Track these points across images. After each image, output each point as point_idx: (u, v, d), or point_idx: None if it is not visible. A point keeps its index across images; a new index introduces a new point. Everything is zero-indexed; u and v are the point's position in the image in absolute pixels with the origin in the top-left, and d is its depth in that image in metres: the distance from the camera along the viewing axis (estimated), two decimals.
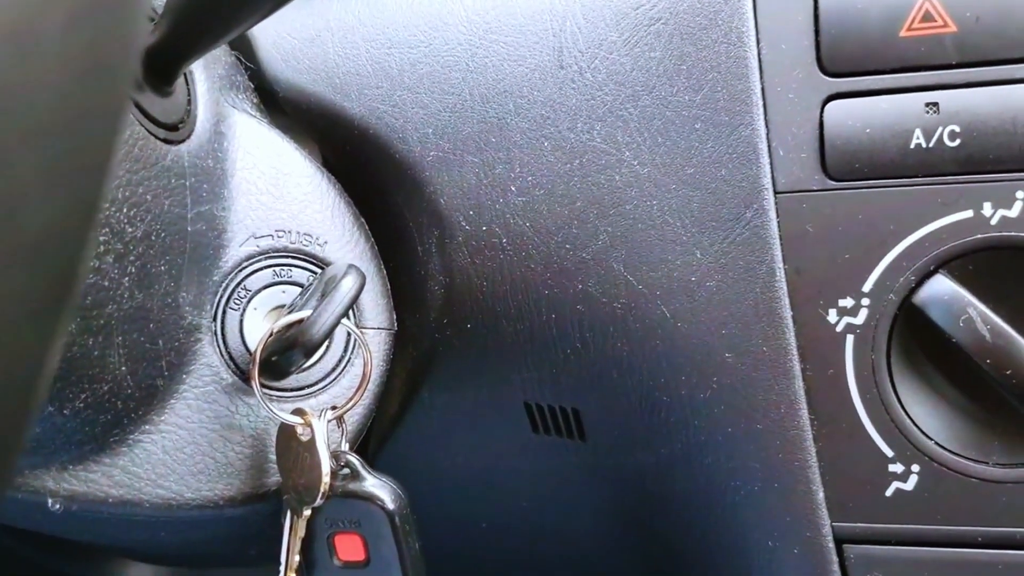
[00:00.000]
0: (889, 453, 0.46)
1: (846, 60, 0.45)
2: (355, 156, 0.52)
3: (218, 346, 0.48)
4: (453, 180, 0.50)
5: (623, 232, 0.48)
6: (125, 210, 0.38)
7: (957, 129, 0.44)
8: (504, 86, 0.49)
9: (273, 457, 0.49)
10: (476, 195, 0.50)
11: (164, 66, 0.40)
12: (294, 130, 0.52)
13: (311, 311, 0.45)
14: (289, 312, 0.47)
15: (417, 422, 0.56)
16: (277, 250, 0.49)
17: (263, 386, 0.47)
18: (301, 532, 0.48)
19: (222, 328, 0.48)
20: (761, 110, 0.46)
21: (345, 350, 0.50)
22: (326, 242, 0.50)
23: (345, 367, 0.50)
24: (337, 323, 0.45)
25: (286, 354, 0.45)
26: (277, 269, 0.49)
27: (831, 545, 0.48)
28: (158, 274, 0.42)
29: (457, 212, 0.50)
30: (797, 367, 0.46)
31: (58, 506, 0.46)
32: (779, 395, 0.47)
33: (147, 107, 0.40)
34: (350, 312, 0.47)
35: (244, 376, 0.48)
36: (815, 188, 0.46)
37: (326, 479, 0.47)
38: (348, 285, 0.45)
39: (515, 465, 0.56)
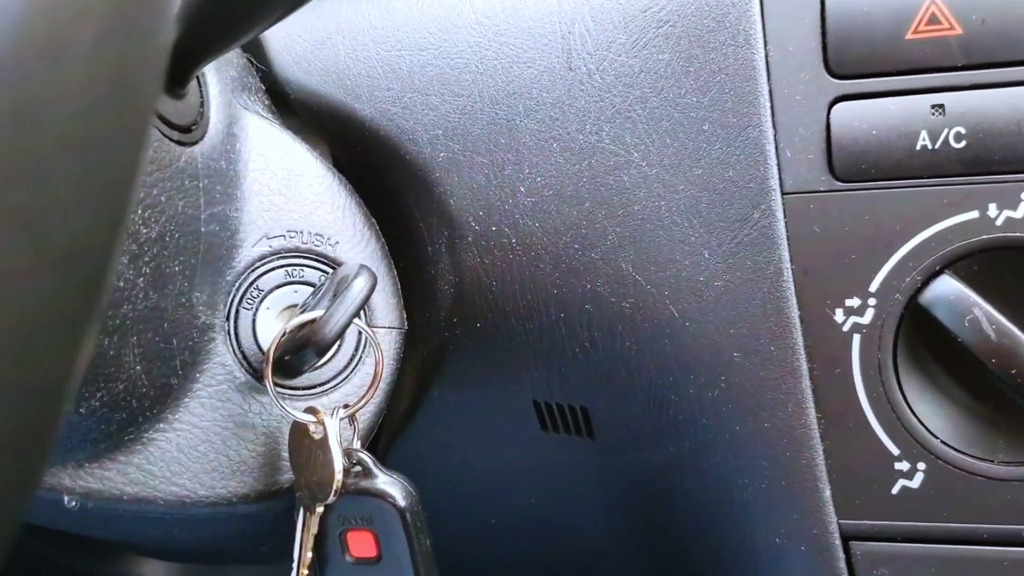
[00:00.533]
0: (895, 451, 0.47)
1: (853, 62, 0.45)
2: (366, 157, 0.53)
3: (231, 345, 0.48)
4: (463, 181, 0.50)
5: (631, 232, 0.48)
6: (140, 211, 0.39)
7: (963, 131, 0.44)
8: (513, 88, 0.50)
9: (286, 455, 0.49)
10: (486, 196, 0.50)
11: (178, 69, 0.41)
12: (305, 131, 0.53)
13: (323, 311, 0.45)
14: (301, 312, 0.48)
15: (427, 420, 0.56)
16: (289, 250, 0.49)
17: (276, 385, 0.47)
18: (313, 529, 0.49)
19: (235, 327, 0.49)
20: (768, 112, 0.46)
21: (356, 349, 0.50)
22: (337, 242, 0.50)
23: (356, 366, 0.50)
24: (349, 323, 0.45)
25: (299, 353, 0.46)
26: (289, 269, 0.49)
27: (838, 542, 0.48)
28: (172, 274, 0.42)
29: (467, 212, 0.50)
30: (804, 366, 0.47)
31: (74, 503, 0.47)
32: (786, 394, 0.47)
33: (161, 109, 0.41)
34: (361, 311, 0.48)
35: (257, 375, 0.49)
36: (822, 189, 0.46)
37: (338, 476, 0.47)
38: (360, 285, 0.46)
39: (524, 463, 0.57)
